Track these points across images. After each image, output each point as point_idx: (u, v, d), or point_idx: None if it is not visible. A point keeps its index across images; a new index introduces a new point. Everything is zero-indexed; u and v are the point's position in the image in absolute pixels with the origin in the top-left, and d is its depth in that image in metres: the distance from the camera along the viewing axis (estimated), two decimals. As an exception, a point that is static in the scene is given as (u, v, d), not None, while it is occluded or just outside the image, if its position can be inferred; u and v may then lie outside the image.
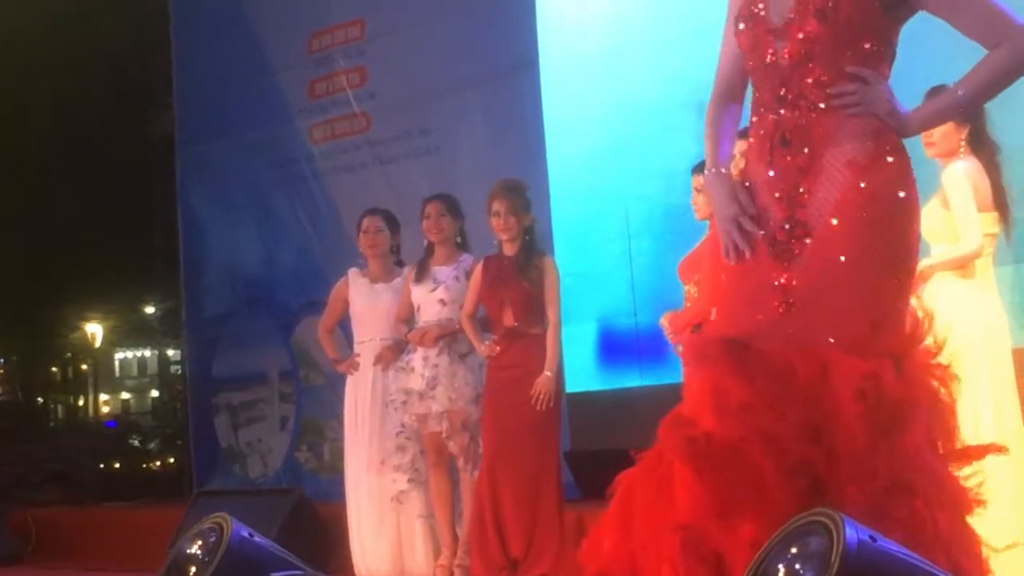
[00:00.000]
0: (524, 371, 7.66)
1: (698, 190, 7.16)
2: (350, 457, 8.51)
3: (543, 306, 7.73)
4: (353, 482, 8.42)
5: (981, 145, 6.04)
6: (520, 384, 7.61)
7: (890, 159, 3.93)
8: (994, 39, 3.88)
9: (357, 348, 8.54)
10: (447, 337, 7.97)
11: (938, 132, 6.00)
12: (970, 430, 5.74)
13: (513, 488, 7.59)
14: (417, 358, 8.00)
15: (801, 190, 3.95)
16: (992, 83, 3.93)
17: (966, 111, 4.35)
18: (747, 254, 3.98)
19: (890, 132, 3.94)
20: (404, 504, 8.18)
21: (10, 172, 18.43)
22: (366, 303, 8.51)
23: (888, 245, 3.91)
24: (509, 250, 7.79)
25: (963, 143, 6.03)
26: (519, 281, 7.70)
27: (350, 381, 8.55)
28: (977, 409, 5.78)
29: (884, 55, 3.98)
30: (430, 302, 8.04)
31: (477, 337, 7.83)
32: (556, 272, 7.79)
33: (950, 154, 6.04)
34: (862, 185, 3.90)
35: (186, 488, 12.67)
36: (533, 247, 7.80)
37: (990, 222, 5.94)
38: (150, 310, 31.23)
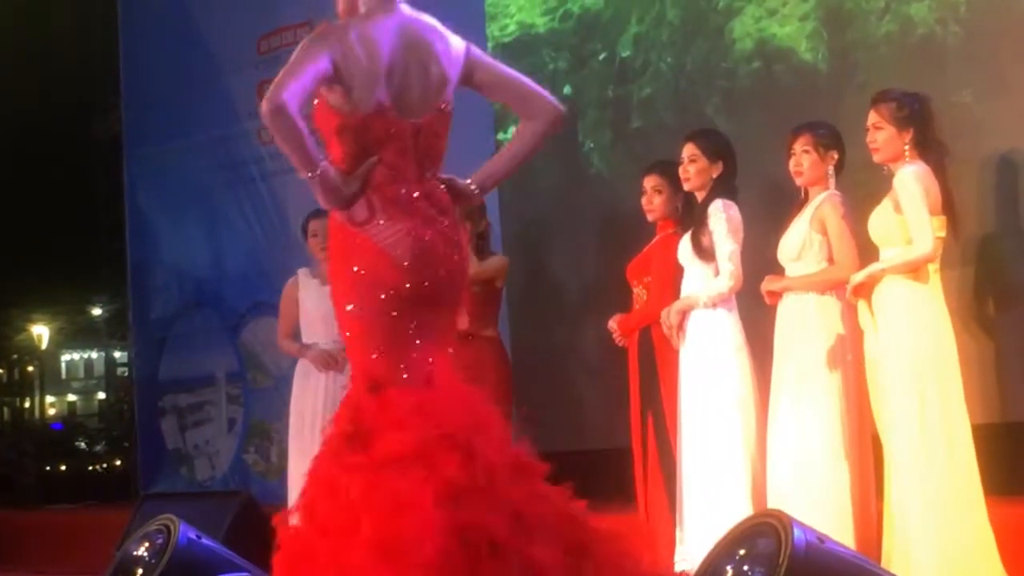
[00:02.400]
0: (477, 373, 7.64)
1: (658, 191, 7.16)
2: (296, 462, 8.44)
3: (497, 309, 7.78)
4: (299, 486, 8.35)
5: (928, 149, 6.05)
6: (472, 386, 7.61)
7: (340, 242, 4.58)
8: (527, 111, 4.77)
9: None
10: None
11: (882, 138, 6.06)
12: (918, 437, 5.79)
13: (462, 490, 7.59)
14: (368, 360, 7.98)
15: None
16: (529, 150, 4.79)
17: (491, 187, 4.89)
18: None
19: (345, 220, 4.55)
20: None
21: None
22: (316, 304, 8.44)
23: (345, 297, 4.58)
24: (462, 254, 7.80)
25: (907, 148, 6.05)
26: (472, 285, 7.71)
27: (297, 385, 8.50)
28: (925, 416, 5.80)
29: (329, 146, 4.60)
30: (379, 305, 8.02)
31: None
32: (500, 259, 7.92)
33: (895, 159, 6.05)
34: None
35: (133, 491, 12.59)
36: (486, 251, 7.82)
37: (938, 225, 5.96)
38: (97, 312, 31.09)
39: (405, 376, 4.50)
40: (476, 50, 4.78)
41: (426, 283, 4.52)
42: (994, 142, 7.10)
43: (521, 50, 9.74)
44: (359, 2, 4.61)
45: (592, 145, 9.29)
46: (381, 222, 4.49)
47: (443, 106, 4.65)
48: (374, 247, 4.48)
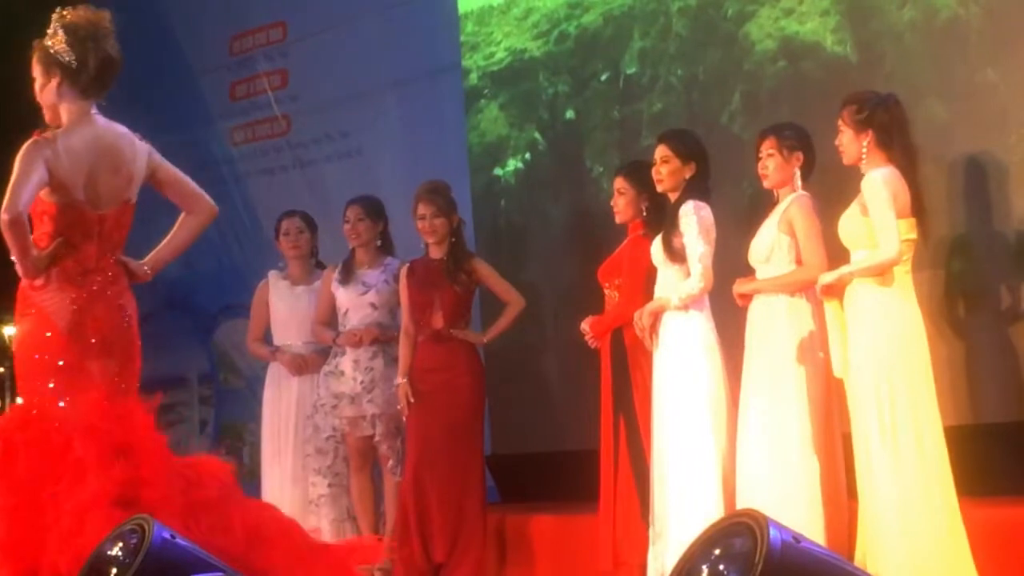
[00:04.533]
0: (450, 374, 7.67)
1: (621, 193, 7.17)
2: (271, 465, 8.43)
3: (470, 309, 7.80)
4: (276, 490, 8.30)
5: (895, 151, 6.03)
6: (446, 387, 7.62)
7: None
8: (190, 207, 6.21)
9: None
10: (381, 341, 7.97)
11: (846, 140, 6.08)
12: (889, 441, 5.79)
13: (437, 492, 7.58)
14: (347, 361, 7.97)
15: None
16: (189, 239, 6.38)
17: (159, 268, 6.30)
18: None
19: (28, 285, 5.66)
20: (322, 508, 8.12)
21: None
22: (288, 306, 8.45)
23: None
24: (436, 253, 7.80)
25: (864, 150, 6.02)
26: (449, 284, 7.71)
27: (269, 387, 8.49)
28: (896, 419, 5.81)
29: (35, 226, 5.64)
30: (360, 305, 8.02)
31: (407, 359, 7.80)
32: (487, 265, 7.89)
33: (856, 161, 6.05)
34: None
35: (104, 492, 12.52)
36: (461, 249, 7.82)
37: (908, 228, 5.96)
38: (67, 312, 30.89)
39: (63, 405, 5.61)
40: (156, 154, 6.10)
41: (86, 341, 5.68)
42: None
43: (514, 77, 9.59)
44: (62, 115, 5.70)
45: (601, 169, 9.11)
46: (53, 290, 5.64)
47: (128, 200, 5.89)
48: (43, 310, 5.63)
